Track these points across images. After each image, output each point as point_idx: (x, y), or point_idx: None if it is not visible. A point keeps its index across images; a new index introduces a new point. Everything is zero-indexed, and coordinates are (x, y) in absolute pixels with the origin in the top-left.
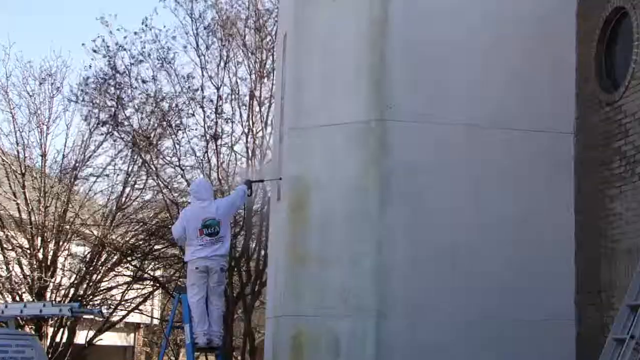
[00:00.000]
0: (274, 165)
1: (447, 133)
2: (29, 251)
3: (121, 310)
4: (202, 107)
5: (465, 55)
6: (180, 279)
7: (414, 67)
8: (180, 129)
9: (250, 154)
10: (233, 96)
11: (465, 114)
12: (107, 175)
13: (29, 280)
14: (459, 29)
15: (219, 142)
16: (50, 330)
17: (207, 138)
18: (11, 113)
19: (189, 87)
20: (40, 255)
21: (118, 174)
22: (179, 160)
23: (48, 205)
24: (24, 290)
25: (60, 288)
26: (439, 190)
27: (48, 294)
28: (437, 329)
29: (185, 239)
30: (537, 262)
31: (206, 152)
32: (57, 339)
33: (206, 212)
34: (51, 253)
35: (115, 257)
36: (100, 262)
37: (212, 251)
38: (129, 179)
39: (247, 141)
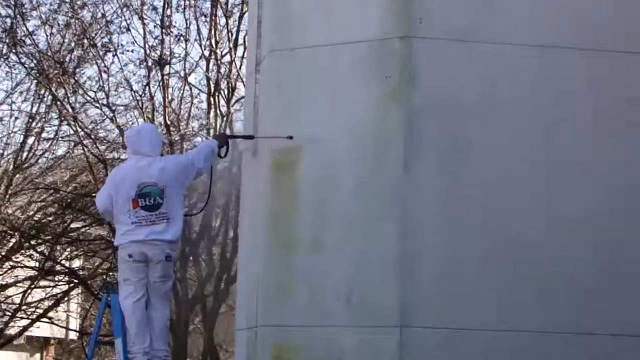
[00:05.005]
0: (247, 103)
1: (502, 57)
2: None
3: (21, 318)
4: (141, 18)
5: None
6: (110, 273)
7: None
8: (109, 50)
9: (212, 88)
10: (187, 2)
11: (527, 28)
12: (1, 120)
13: None
14: None
15: (166, 69)
16: None
17: (150, 64)
18: None
19: None
20: None
21: (17, 117)
22: (107, 96)
23: None
24: None
25: None
26: (489, 140)
27: None
28: (480, 346)
29: (113, 214)
30: (623, 256)
31: (147, 84)
32: None
33: (145, 175)
34: None
35: (13, 240)
36: None
37: (152, 233)
38: (34, 124)
39: (208, 69)
